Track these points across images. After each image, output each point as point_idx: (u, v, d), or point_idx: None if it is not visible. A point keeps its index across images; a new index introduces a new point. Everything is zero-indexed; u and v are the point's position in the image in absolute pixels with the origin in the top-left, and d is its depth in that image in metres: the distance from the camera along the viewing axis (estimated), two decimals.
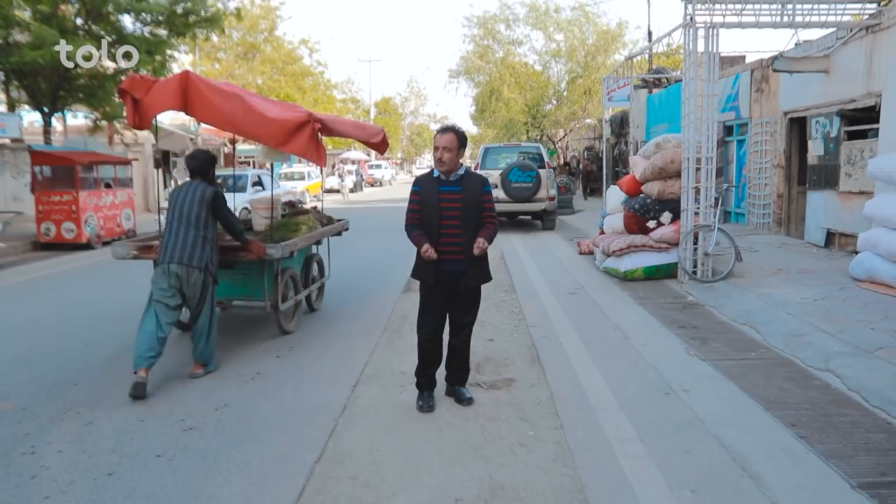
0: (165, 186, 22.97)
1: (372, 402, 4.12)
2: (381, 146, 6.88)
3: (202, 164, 4.85)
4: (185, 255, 4.50)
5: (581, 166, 24.39)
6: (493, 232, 3.96)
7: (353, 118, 39.91)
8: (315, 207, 7.50)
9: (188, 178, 4.88)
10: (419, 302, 4.04)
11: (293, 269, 5.88)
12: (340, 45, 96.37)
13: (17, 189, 13.50)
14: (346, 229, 7.24)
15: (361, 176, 38.89)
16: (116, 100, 14.83)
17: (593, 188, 22.83)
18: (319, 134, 5.51)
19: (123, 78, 5.78)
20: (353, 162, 39.69)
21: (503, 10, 26.74)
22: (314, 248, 6.57)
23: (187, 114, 5.60)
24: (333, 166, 35.81)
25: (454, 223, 3.81)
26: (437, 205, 3.83)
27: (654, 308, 6.53)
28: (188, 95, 5.16)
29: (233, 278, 5.38)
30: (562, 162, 27.23)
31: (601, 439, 3.50)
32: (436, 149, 3.88)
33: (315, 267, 6.64)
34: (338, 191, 29.27)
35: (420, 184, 3.97)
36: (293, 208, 6.86)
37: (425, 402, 3.97)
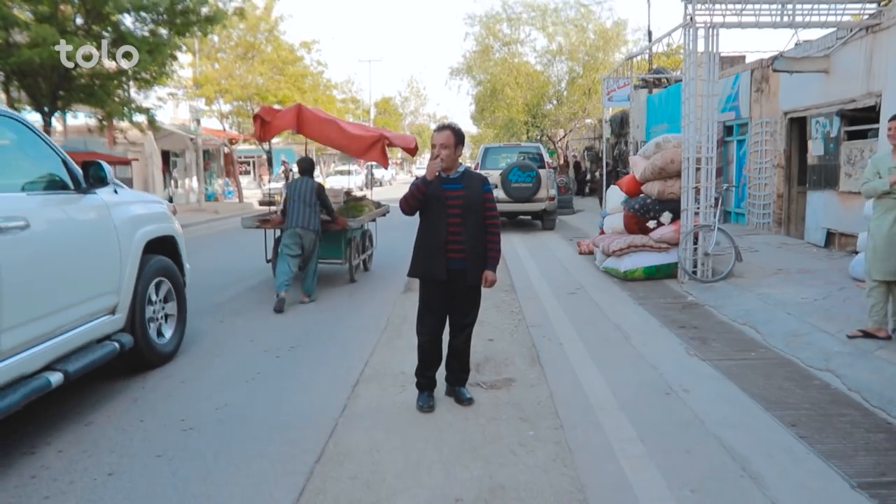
0: (165, 187, 22.96)
1: (372, 402, 4.12)
2: (414, 151, 9.60)
3: (309, 166, 7.36)
4: (304, 222, 6.91)
5: (599, 167, 20.49)
6: (497, 247, 3.97)
7: (353, 118, 40.54)
8: (365, 196, 9.67)
9: (299, 175, 7.33)
10: (419, 302, 4.04)
11: (357, 237, 8.35)
12: (340, 45, 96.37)
13: None
14: (388, 212, 9.20)
15: (372, 174, 37.51)
16: (116, 100, 14.84)
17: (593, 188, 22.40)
18: (385, 146, 8.12)
19: (258, 108, 8.43)
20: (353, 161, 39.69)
21: (505, 9, 26.74)
22: (367, 224, 8.78)
23: (300, 133, 8.23)
24: (283, 167, 28.17)
25: (456, 220, 3.82)
26: (443, 202, 3.82)
27: (654, 308, 6.53)
28: (300, 120, 7.78)
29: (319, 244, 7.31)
30: (563, 161, 27.10)
31: (601, 439, 3.50)
32: (433, 146, 3.87)
33: (367, 239, 9.02)
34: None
35: (417, 183, 3.94)
36: (349, 196, 9.18)
37: (425, 402, 3.97)
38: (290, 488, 3.05)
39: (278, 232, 7.69)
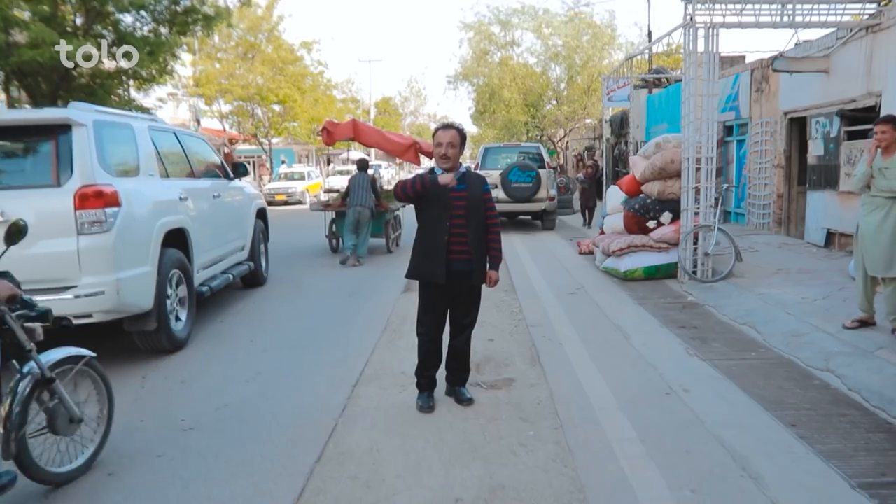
0: None
1: (372, 402, 4.12)
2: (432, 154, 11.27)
3: (365, 164, 10.09)
4: (362, 201, 9.47)
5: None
6: (499, 246, 3.98)
7: (353, 118, 40.85)
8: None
9: (356, 170, 10.03)
10: (419, 302, 4.03)
11: (392, 219, 10.83)
12: (340, 45, 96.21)
13: None
14: None
15: (378, 173, 36.99)
16: (116, 99, 14.84)
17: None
18: (417, 150, 11.30)
19: (326, 123, 11.47)
20: (353, 162, 39.85)
21: (496, 14, 26.78)
22: (400, 210, 11.21)
23: (355, 140, 11.35)
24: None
25: (460, 222, 3.79)
26: (447, 203, 3.77)
27: (654, 308, 6.53)
28: (356, 131, 10.90)
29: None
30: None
31: (601, 439, 3.50)
32: (439, 144, 3.80)
33: (398, 222, 11.35)
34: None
35: (423, 178, 3.84)
36: (383, 189, 11.26)
37: (425, 402, 3.97)
38: (290, 488, 3.05)
39: (333, 215, 10.68)
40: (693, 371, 4.60)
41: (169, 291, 5.21)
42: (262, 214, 8.17)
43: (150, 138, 5.59)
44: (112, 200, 4.65)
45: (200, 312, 6.72)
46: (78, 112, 4.83)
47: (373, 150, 48.75)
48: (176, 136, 6.37)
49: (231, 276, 6.74)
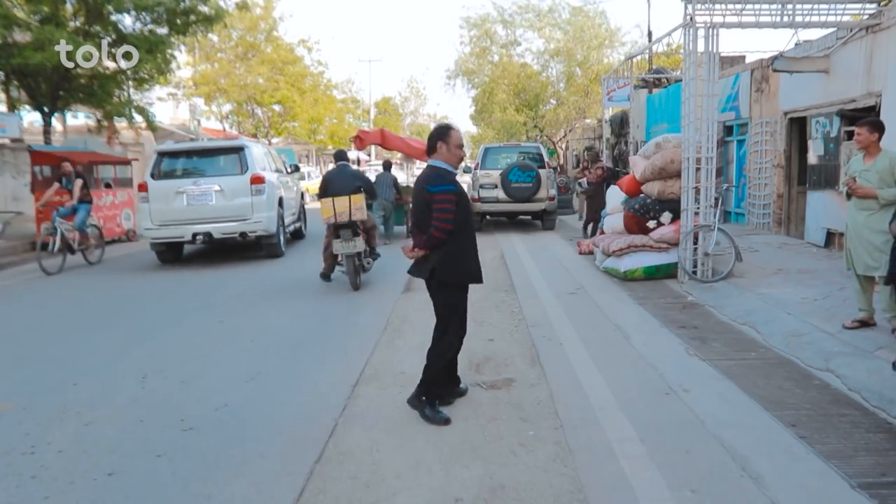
0: None
1: (372, 402, 4.12)
2: None
3: (389, 165, 12.84)
4: (386, 195, 11.77)
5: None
6: None
7: (353, 118, 41.19)
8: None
9: (381, 170, 12.69)
10: (455, 308, 3.87)
11: (409, 210, 13.75)
12: (340, 45, 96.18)
13: (17, 189, 13.48)
14: None
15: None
16: (116, 99, 14.85)
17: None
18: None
19: (358, 135, 14.68)
20: (353, 163, 39.98)
21: (501, 13, 26.73)
22: None
23: (382, 145, 14.27)
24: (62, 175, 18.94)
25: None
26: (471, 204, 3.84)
27: (654, 308, 6.53)
28: (383, 137, 14.07)
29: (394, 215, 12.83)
30: (563, 162, 26.86)
31: (601, 439, 3.50)
32: (460, 146, 3.80)
33: None
34: None
35: (457, 184, 3.79)
36: (402, 186, 13.26)
37: (440, 411, 3.80)
38: (290, 488, 3.05)
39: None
40: (693, 371, 4.60)
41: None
42: (302, 196, 13.47)
43: (263, 150, 11.16)
44: (263, 180, 9.86)
45: (201, 313, 6.74)
46: (246, 141, 10.79)
47: (373, 150, 49.04)
48: (267, 149, 12.00)
49: (293, 227, 11.81)
